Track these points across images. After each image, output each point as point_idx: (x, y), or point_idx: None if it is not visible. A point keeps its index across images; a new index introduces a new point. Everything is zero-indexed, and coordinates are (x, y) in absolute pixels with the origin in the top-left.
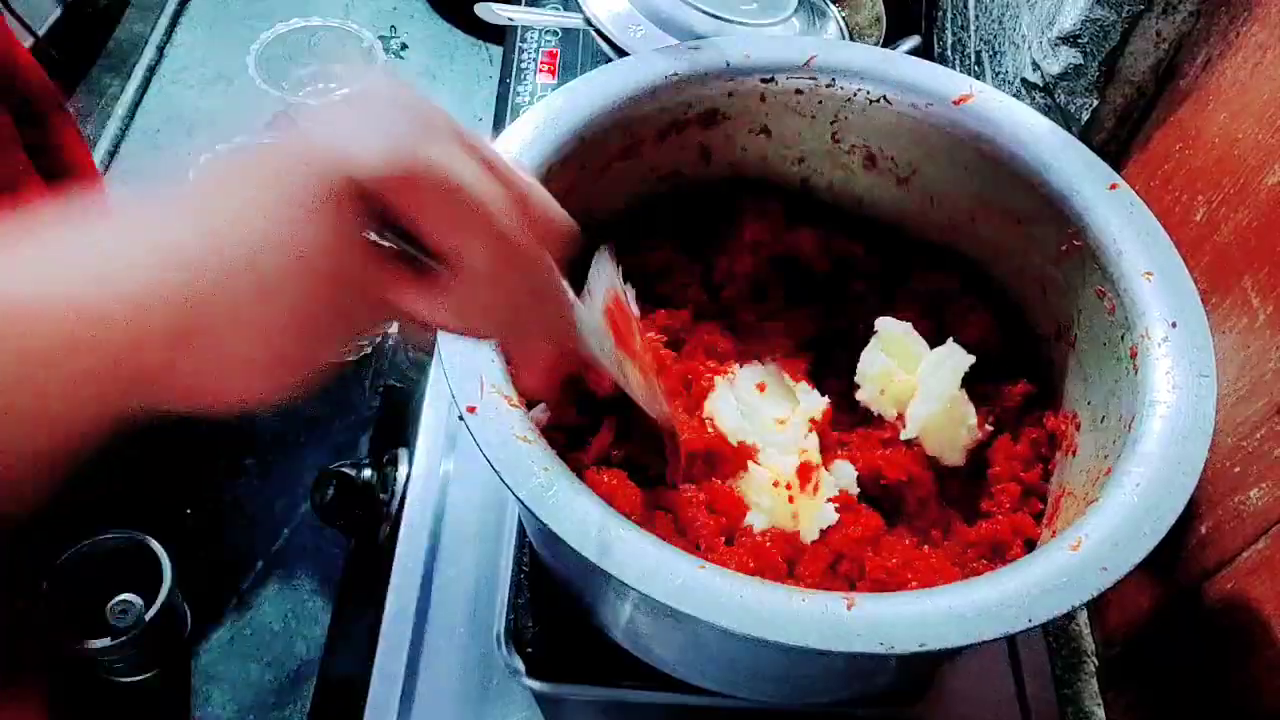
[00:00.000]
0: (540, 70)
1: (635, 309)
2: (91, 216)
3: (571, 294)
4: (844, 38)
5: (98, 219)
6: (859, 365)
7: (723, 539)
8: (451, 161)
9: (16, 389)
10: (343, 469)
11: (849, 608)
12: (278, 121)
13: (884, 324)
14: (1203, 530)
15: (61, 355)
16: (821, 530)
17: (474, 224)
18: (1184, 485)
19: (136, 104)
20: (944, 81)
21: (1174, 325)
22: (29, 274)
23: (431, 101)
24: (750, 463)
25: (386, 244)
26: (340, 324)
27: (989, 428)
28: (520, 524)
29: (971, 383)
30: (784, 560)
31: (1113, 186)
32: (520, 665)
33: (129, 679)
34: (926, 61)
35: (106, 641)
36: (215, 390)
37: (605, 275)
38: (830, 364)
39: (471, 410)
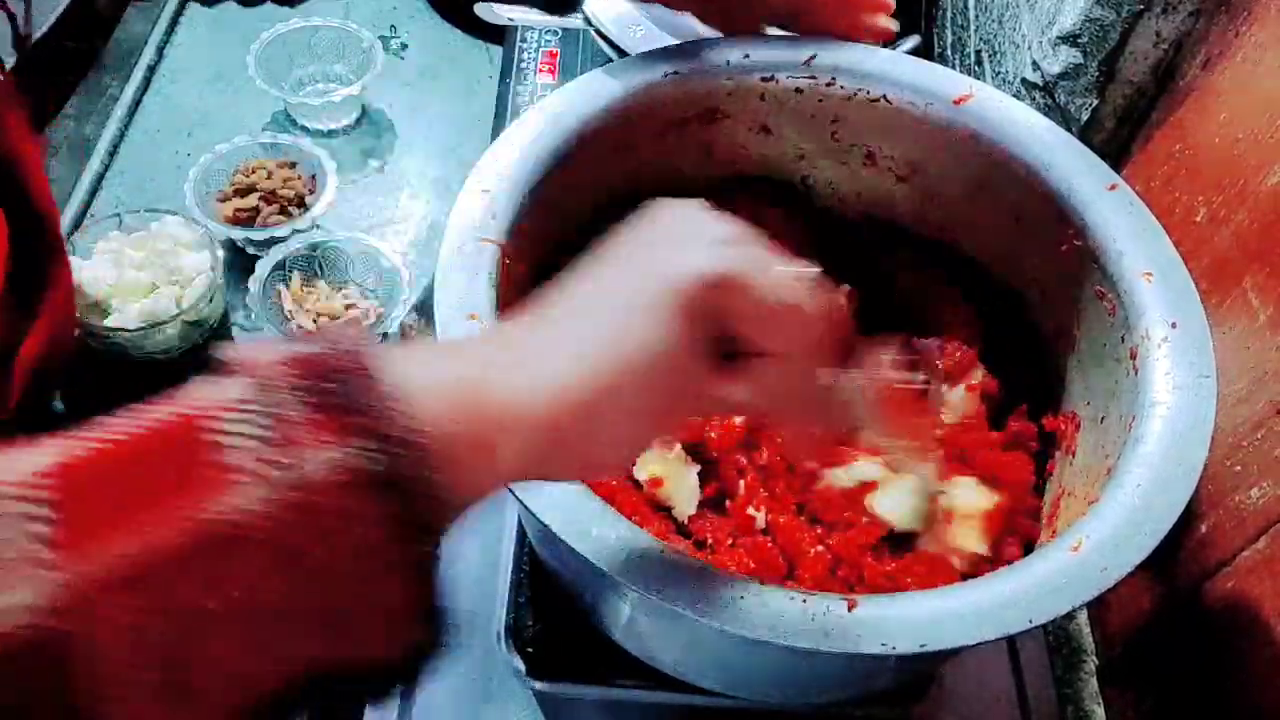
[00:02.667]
0: (540, 70)
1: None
2: (519, 330)
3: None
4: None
5: (524, 332)
6: None
7: (729, 540)
8: (766, 270)
9: (480, 451)
10: None
11: (850, 609)
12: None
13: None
14: (1203, 530)
15: (513, 424)
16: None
17: (786, 321)
18: (1184, 486)
19: (136, 104)
20: (943, 81)
21: (1174, 326)
22: (505, 364)
23: (726, 218)
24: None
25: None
26: (677, 411)
27: None
28: (520, 524)
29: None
30: (784, 561)
31: (1112, 186)
32: (520, 664)
33: None
34: (926, 61)
35: None
36: (596, 465)
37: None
38: None
39: None
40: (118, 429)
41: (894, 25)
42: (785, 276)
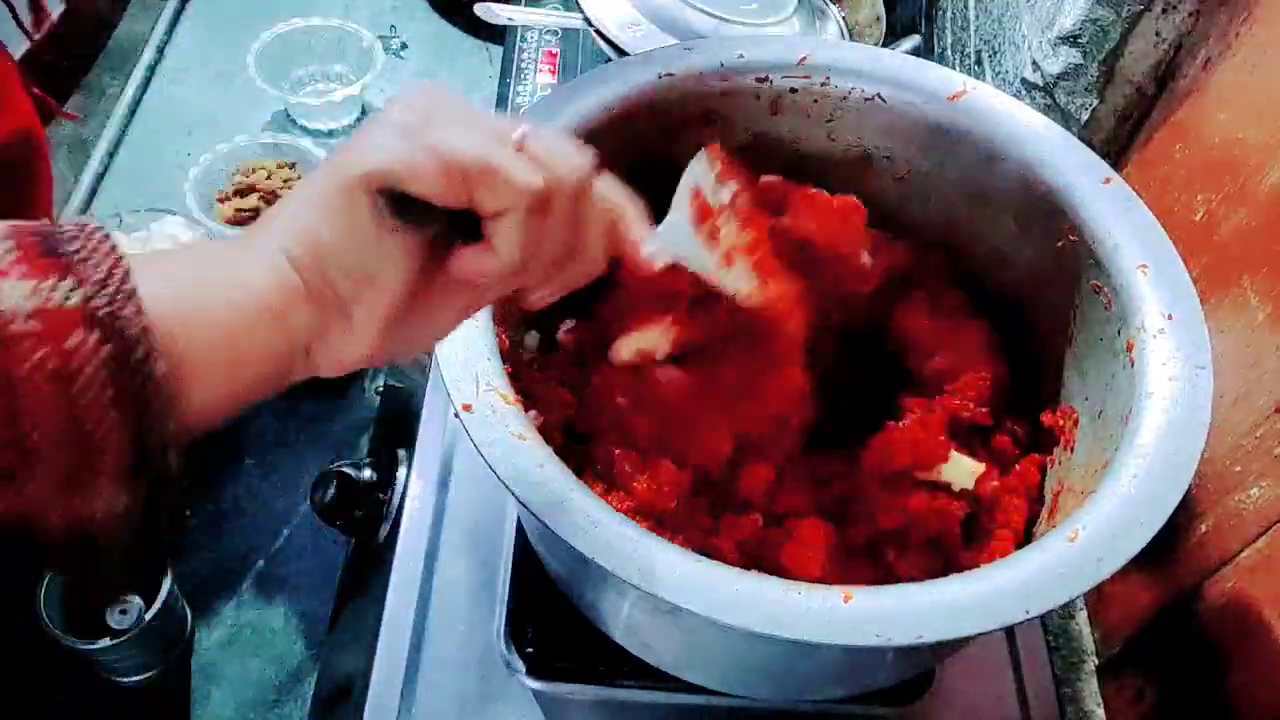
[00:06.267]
0: (540, 70)
1: (725, 195)
2: (213, 246)
3: (621, 210)
4: (844, 37)
5: (217, 246)
6: None
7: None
8: (446, 138)
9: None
10: (343, 469)
11: (846, 600)
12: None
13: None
14: (1203, 529)
15: (245, 329)
16: None
17: (484, 178)
18: (1180, 477)
19: (136, 104)
20: (938, 79)
21: (1170, 318)
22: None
23: (441, 94)
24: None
25: (431, 229)
26: (423, 304)
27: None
28: (520, 523)
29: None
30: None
31: (1107, 181)
32: (520, 664)
33: (129, 679)
34: (921, 59)
35: (106, 641)
36: (350, 356)
37: (692, 177)
38: None
39: (467, 408)
40: None
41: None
42: (464, 133)
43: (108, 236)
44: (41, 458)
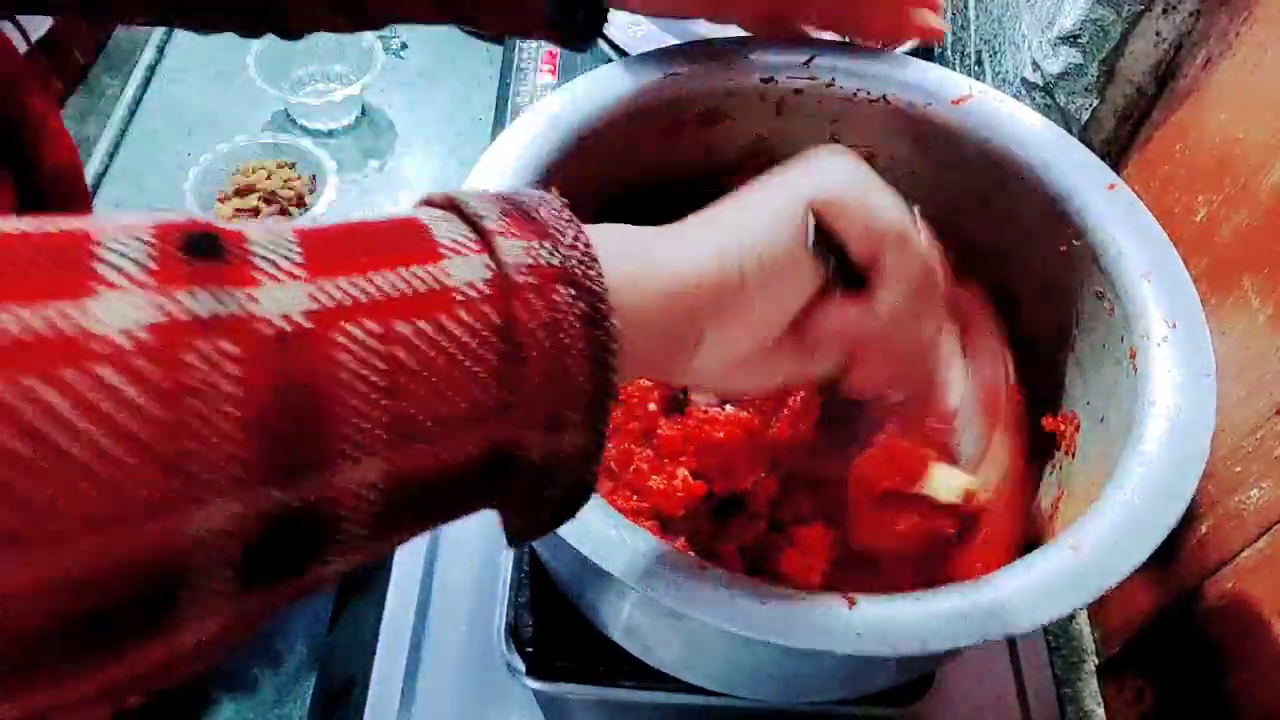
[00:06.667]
0: (540, 70)
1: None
2: (660, 231)
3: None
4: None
5: (663, 231)
6: None
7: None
8: (876, 197)
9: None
10: None
11: (850, 607)
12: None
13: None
14: (1203, 530)
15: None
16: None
17: (892, 244)
18: (1184, 486)
19: (137, 104)
20: (943, 82)
21: (1174, 325)
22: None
23: (873, 173)
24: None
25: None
26: (795, 310)
27: None
28: None
29: None
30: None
31: (1111, 186)
32: (520, 664)
33: None
34: (925, 62)
35: None
36: (716, 375)
37: (991, 350)
38: None
39: None
40: (335, 223)
41: (943, 25)
42: (896, 207)
43: (565, 207)
44: (530, 394)
